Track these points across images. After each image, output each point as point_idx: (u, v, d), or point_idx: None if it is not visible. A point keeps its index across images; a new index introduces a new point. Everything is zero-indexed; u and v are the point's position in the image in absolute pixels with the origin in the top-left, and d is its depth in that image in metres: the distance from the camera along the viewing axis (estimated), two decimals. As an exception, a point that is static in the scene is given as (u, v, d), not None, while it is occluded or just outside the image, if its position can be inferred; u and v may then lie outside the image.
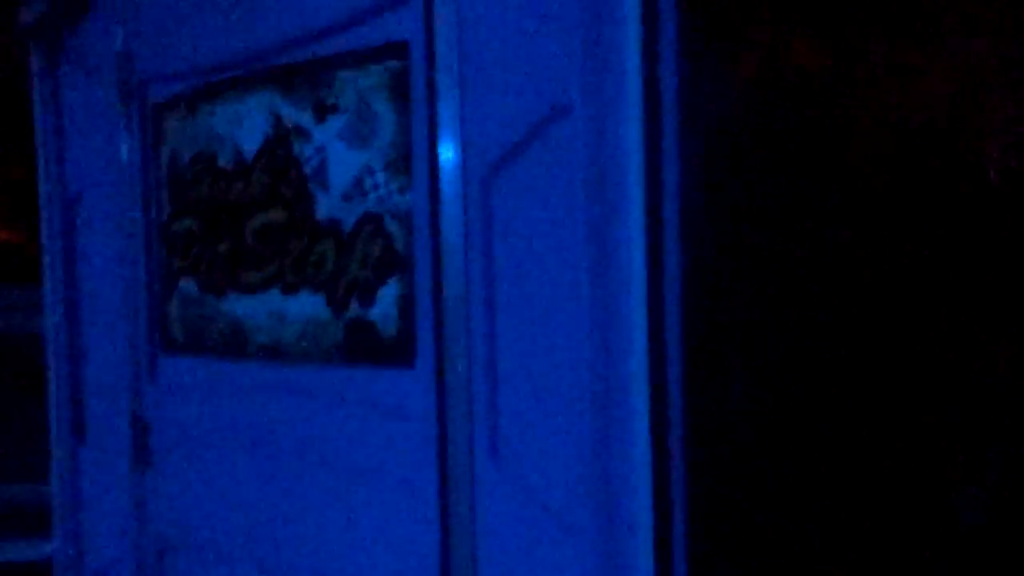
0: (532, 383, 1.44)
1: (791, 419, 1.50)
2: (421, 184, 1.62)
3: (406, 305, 1.65)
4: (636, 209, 1.40)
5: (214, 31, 1.95)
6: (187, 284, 2.10)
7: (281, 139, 1.85)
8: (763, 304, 1.54)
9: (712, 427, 1.35)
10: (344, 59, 1.72)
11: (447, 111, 1.59)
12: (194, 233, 2.07)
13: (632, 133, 1.41)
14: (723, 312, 1.52)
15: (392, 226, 1.67)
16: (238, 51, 1.91)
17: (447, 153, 1.58)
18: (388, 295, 1.68)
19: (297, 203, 1.83)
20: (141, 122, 2.17)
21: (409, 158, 1.65)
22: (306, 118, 1.81)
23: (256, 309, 1.92)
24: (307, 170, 1.80)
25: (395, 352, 1.66)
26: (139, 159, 2.19)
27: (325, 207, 1.78)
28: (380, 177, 1.69)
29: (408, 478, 1.66)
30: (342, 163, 1.75)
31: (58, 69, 2.52)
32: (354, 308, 1.74)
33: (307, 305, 1.81)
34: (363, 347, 1.72)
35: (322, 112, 1.78)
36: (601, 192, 1.39)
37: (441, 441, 1.58)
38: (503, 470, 1.49)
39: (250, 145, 1.92)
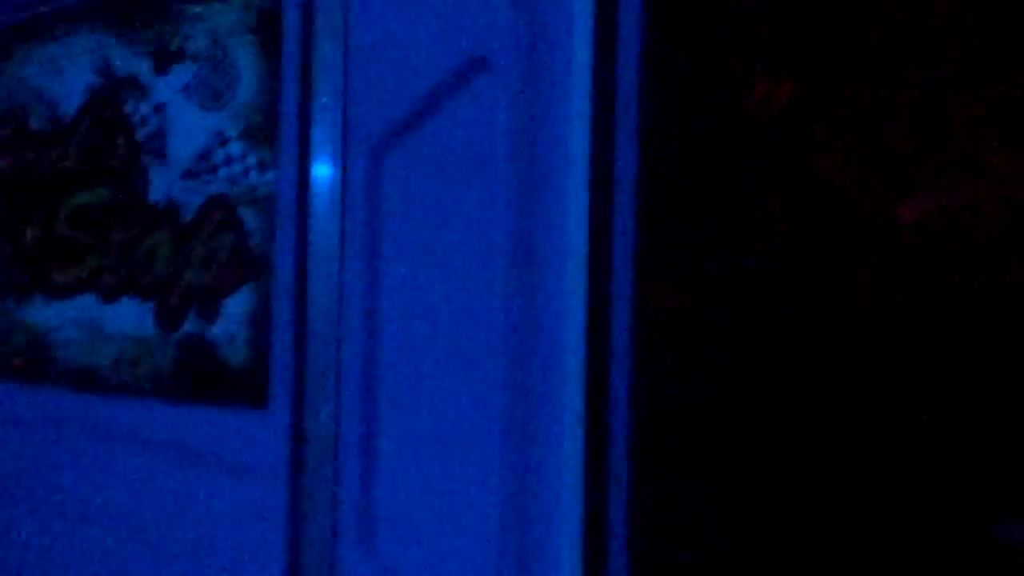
0: (425, 440, 1.03)
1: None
2: (289, 158, 1.20)
3: (260, 322, 1.22)
4: (578, 207, 1.02)
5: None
6: (-15, 282, 1.60)
7: (109, 94, 1.39)
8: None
9: (665, 516, 0.97)
10: (195, -11, 1.29)
11: (328, 65, 1.17)
12: (-4, 216, 1.58)
13: (576, 98, 1.02)
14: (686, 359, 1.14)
15: (247, 214, 1.24)
16: (60, -23, 1.45)
17: (326, 119, 1.16)
18: (237, 308, 1.25)
19: (125, 179, 1.37)
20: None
21: (275, 124, 1.23)
22: (143, 67, 1.36)
23: (66, 319, 1.44)
24: (140, 136, 1.35)
25: (242, 386, 1.22)
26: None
27: (161, 186, 1.33)
28: (235, 148, 1.26)
29: (251, 554, 1.22)
30: (187, 128, 1.31)
31: None
32: (191, 324, 1.29)
33: (130, 317, 1.35)
34: (200, 377, 1.27)
35: (164, 60, 1.33)
36: (530, 172, 1.00)
37: (294, 510, 1.15)
38: (375, 560, 1.07)
39: (70, 101, 1.45)
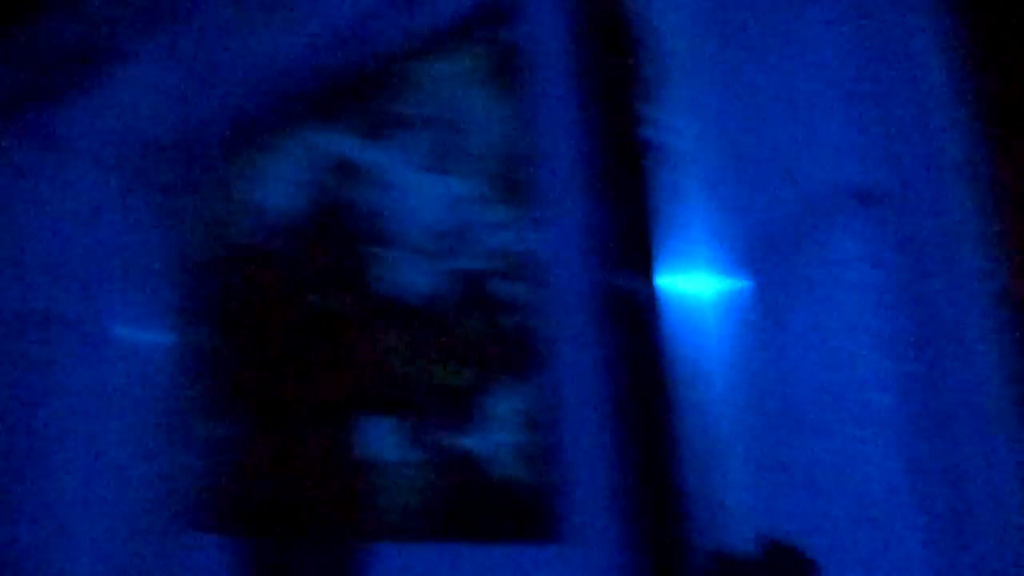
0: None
1: None
2: (566, 206, 0.93)
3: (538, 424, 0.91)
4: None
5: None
6: None
7: (326, 185, 1.20)
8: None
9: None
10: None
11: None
12: None
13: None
14: None
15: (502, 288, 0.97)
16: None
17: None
18: (503, 408, 0.94)
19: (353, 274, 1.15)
20: None
21: (532, 175, 0.97)
22: (354, 145, 1.16)
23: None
24: (364, 224, 1.13)
25: (521, 514, 0.90)
26: None
27: (389, 271, 1.09)
28: (482, 211, 1.01)
29: None
30: (418, 200, 1.08)
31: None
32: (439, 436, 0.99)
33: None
34: (460, 506, 0.96)
35: (382, 130, 1.13)
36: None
37: None
38: None
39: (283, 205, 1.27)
